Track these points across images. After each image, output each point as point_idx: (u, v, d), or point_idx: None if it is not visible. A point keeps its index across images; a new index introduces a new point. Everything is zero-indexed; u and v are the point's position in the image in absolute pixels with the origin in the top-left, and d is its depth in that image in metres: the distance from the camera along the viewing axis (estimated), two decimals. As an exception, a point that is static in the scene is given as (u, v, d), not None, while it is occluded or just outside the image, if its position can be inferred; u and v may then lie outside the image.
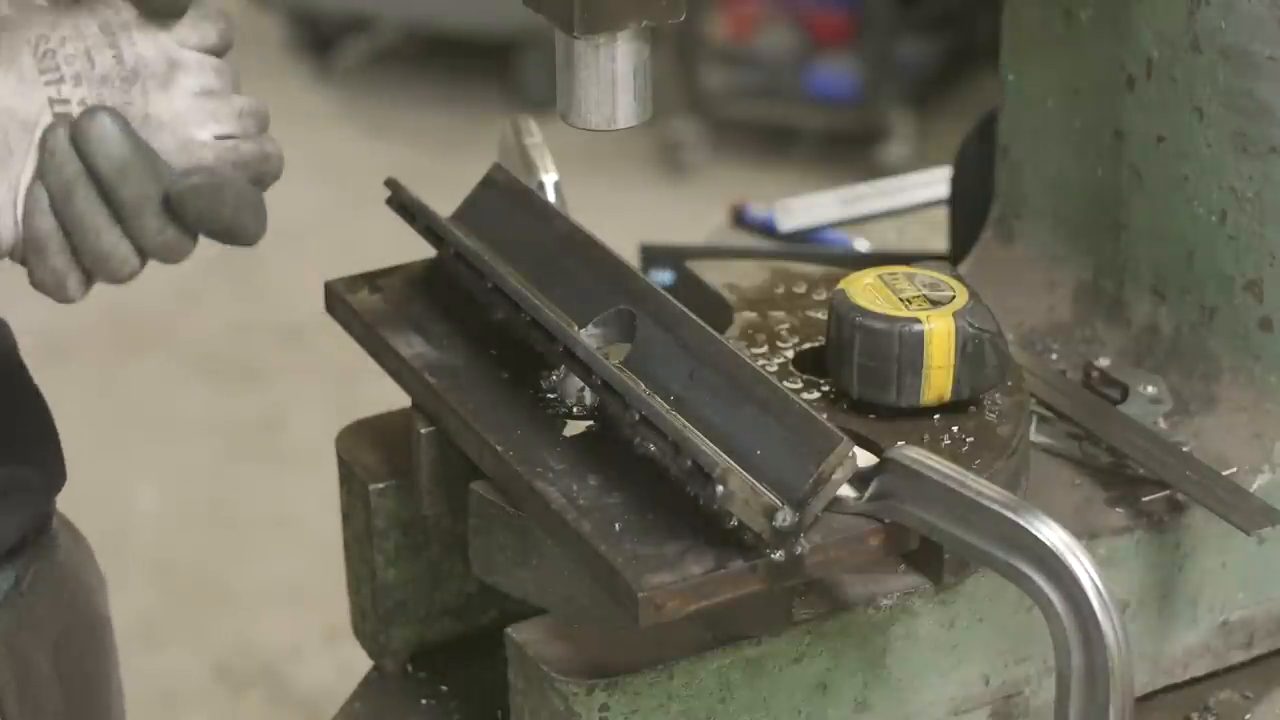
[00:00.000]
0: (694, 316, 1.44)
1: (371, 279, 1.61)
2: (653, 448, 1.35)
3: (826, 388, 1.50)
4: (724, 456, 1.30)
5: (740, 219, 2.39)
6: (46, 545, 1.64)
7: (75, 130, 1.29)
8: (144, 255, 1.34)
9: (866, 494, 1.34)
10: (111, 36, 1.31)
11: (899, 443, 1.36)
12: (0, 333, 1.64)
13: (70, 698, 1.66)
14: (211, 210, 1.33)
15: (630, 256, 1.70)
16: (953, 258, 1.90)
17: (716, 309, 1.61)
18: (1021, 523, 1.26)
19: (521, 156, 1.69)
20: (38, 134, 1.29)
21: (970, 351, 1.46)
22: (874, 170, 5.22)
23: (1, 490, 1.56)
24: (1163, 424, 1.62)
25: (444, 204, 1.63)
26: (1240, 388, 1.61)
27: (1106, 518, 1.53)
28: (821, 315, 1.55)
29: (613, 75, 1.39)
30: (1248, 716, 1.57)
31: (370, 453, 1.60)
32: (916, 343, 1.45)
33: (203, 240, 1.35)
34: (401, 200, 1.60)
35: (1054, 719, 1.27)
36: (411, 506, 1.56)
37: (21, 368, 1.65)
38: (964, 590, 1.45)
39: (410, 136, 5.99)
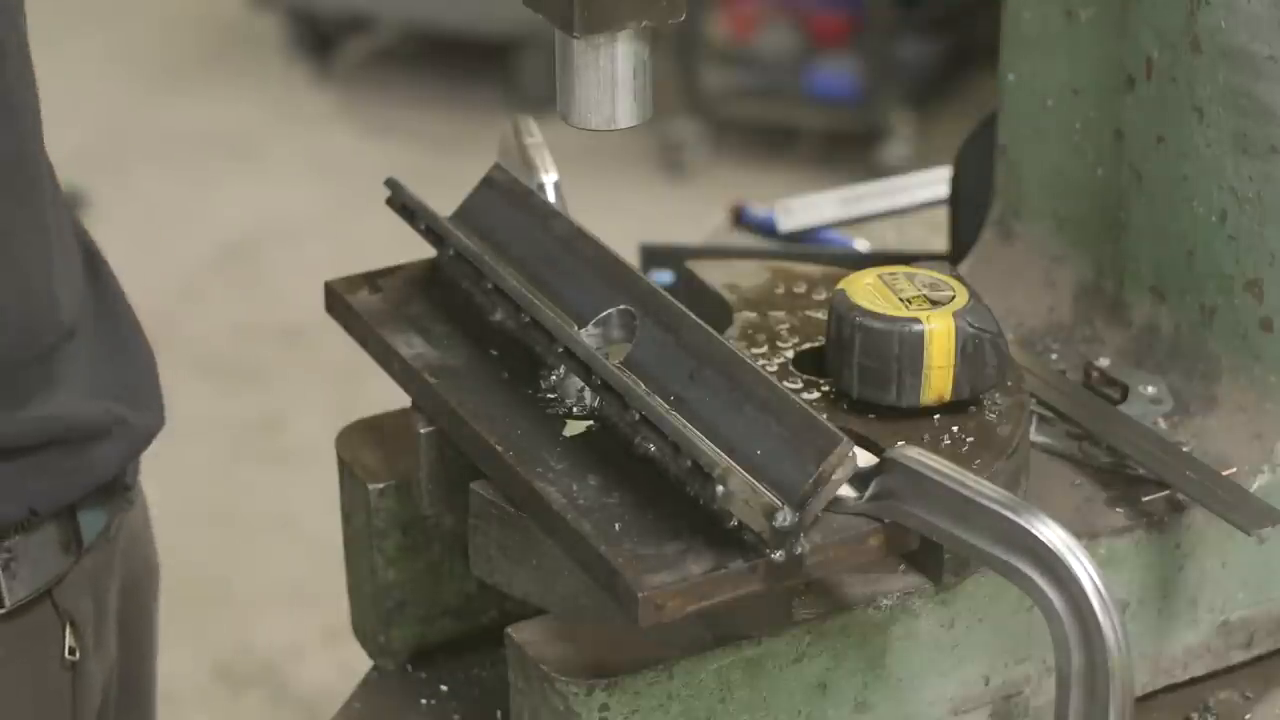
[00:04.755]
0: (694, 316, 1.44)
1: (371, 279, 1.61)
2: (653, 448, 1.35)
3: (826, 388, 1.50)
4: (724, 456, 1.30)
5: (740, 219, 2.39)
6: (131, 499, 1.75)
7: None
8: None
9: (866, 494, 1.34)
10: None
11: (899, 443, 1.36)
12: (108, 278, 1.73)
13: (125, 638, 1.77)
14: None
15: (630, 256, 1.70)
16: (953, 258, 1.90)
17: (716, 309, 1.61)
18: (1021, 523, 1.26)
19: (521, 156, 1.69)
20: None
21: (970, 351, 1.46)
22: (874, 170, 5.22)
23: (105, 426, 1.64)
24: (1163, 424, 1.62)
25: (444, 204, 1.63)
26: (1240, 388, 1.61)
27: (1106, 518, 1.53)
28: (821, 315, 1.55)
29: (613, 75, 1.39)
30: (1248, 716, 1.57)
31: (370, 453, 1.60)
32: (916, 343, 1.45)
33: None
34: (401, 200, 1.60)
35: (1054, 719, 1.27)
36: (411, 506, 1.56)
37: (128, 309, 1.74)
38: (964, 590, 1.45)
39: (410, 136, 5.99)
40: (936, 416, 1.46)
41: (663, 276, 2.09)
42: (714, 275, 1.66)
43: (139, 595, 1.80)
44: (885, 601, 1.43)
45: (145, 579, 1.82)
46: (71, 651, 1.65)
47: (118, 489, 1.71)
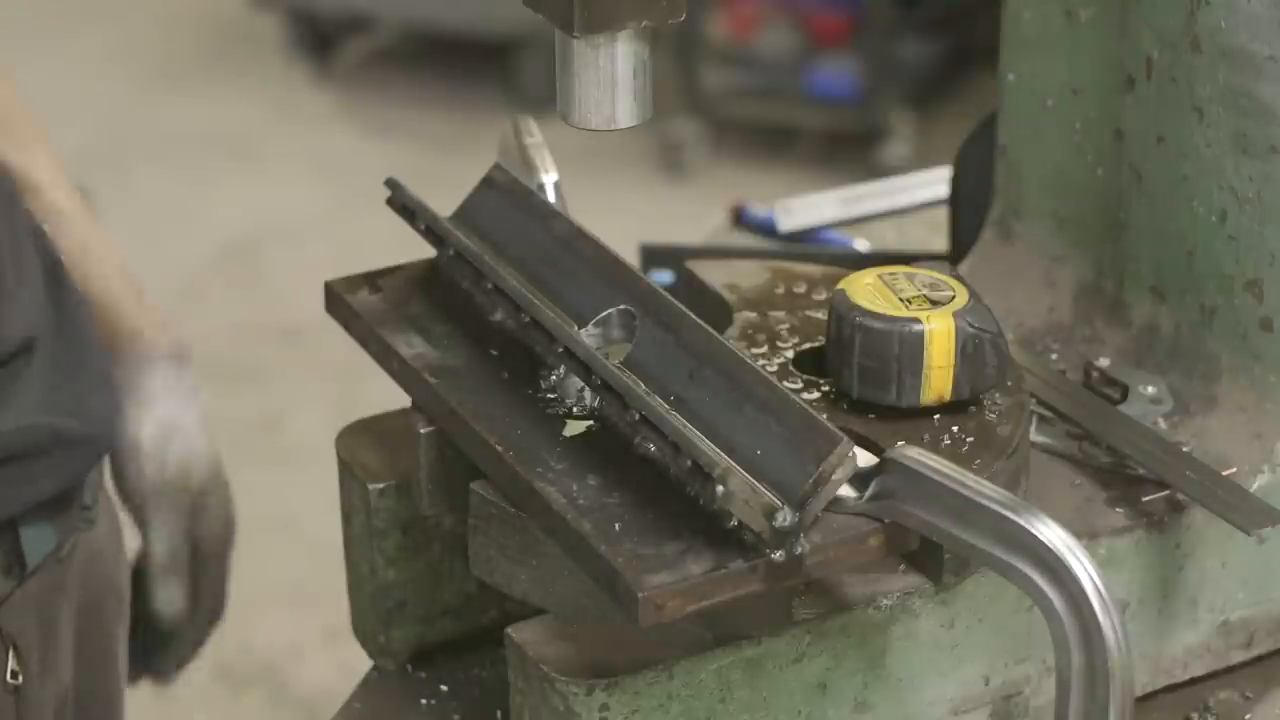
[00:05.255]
0: (694, 316, 1.44)
1: (371, 279, 1.61)
2: (653, 448, 1.35)
3: (826, 388, 1.50)
4: (724, 456, 1.30)
5: (740, 219, 2.39)
6: (90, 518, 1.69)
7: None
8: None
9: (866, 494, 1.34)
10: None
11: (899, 443, 1.36)
12: (72, 290, 1.69)
13: (83, 660, 1.72)
14: None
15: (630, 256, 1.70)
16: (953, 258, 1.90)
17: (716, 309, 1.61)
18: (1021, 523, 1.26)
19: (521, 156, 1.69)
20: None
21: (970, 351, 1.46)
22: (874, 170, 5.22)
23: (51, 443, 1.59)
24: (1163, 424, 1.62)
25: (444, 204, 1.63)
26: (1240, 388, 1.61)
27: (1106, 518, 1.53)
28: (821, 315, 1.55)
29: (613, 75, 1.39)
30: (1248, 716, 1.57)
31: (370, 453, 1.60)
32: (916, 343, 1.45)
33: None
34: (402, 200, 1.60)
35: (1054, 719, 1.27)
36: (411, 506, 1.56)
37: (90, 323, 1.70)
38: (964, 590, 1.45)
39: (410, 136, 5.99)
40: (936, 416, 1.46)
41: (663, 276, 2.09)
42: (714, 275, 1.66)
43: (100, 616, 1.74)
44: (885, 601, 1.43)
45: (108, 599, 1.76)
46: (14, 675, 1.60)
47: (71, 508, 1.65)
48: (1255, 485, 1.56)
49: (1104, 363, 1.68)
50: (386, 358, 1.53)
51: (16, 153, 1.72)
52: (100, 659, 1.76)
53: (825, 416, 1.35)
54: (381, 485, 1.57)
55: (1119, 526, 1.52)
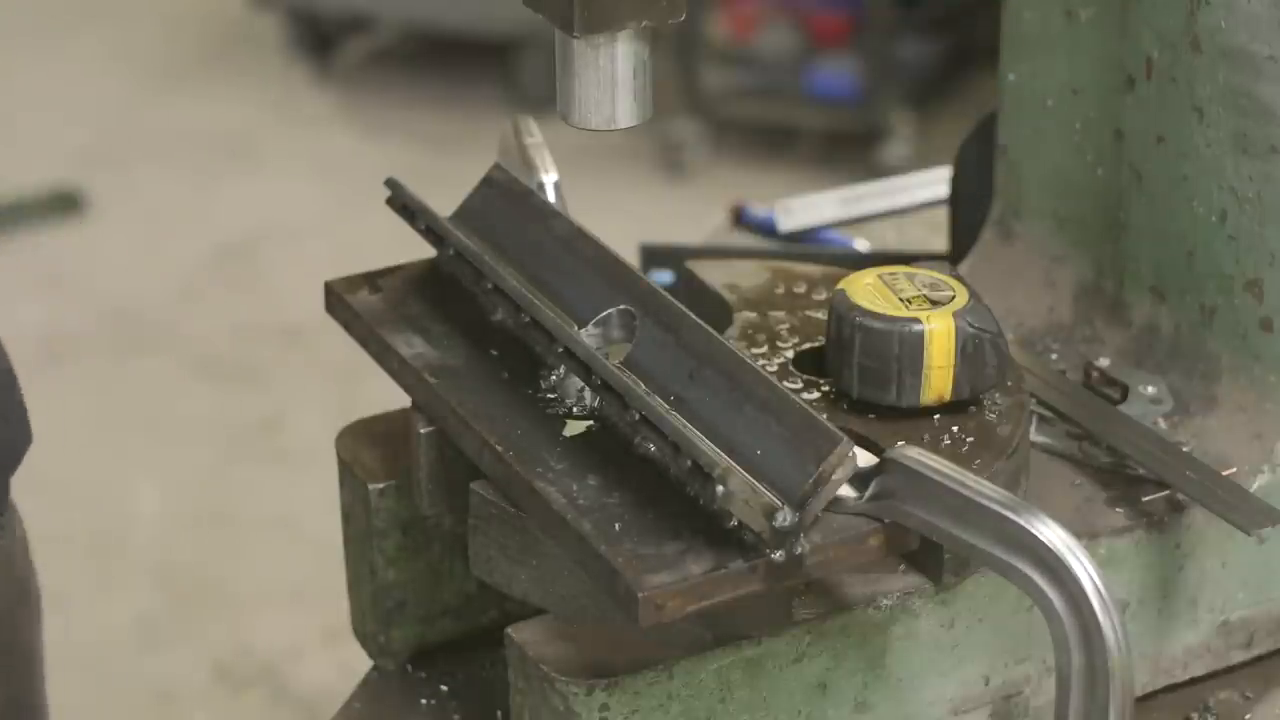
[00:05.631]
0: (694, 316, 1.44)
1: (371, 279, 1.61)
2: (653, 448, 1.35)
3: (826, 388, 1.50)
4: (724, 456, 1.30)
5: (740, 219, 2.39)
6: (4, 526, 1.68)
7: None
8: None
9: (866, 494, 1.34)
10: None
11: (899, 443, 1.36)
12: None
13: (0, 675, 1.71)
14: None
15: (630, 256, 1.70)
16: (953, 258, 1.90)
17: (716, 309, 1.61)
18: (1021, 523, 1.26)
19: (521, 156, 1.69)
20: None
21: (970, 351, 1.46)
22: (874, 170, 5.22)
23: None
24: (1163, 424, 1.62)
25: (444, 204, 1.63)
26: (1240, 388, 1.61)
27: (1106, 518, 1.53)
28: (821, 315, 1.55)
29: (613, 75, 1.39)
30: (1248, 716, 1.57)
31: (370, 453, 1.60)
32: (916, 343, 1.45)
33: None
34: (402, 200, 1.60)
35: (1054, 719, 1.27)
36: (411, 506, 1.56)
37: None
38: (964, 590, 1.45)
39: (410, 136, 6.00)
40: (936, 416, 1.46)
41: (663, 276, 2.09)
42: (714, 275, 1.66)
43: (11, 623, 1.73)
44: (885, 601, 1.43)
45: (19, 607, 1.74)
46: None
47: None
48: (1255, 485, 1.56)
49: (1104, 363, 1.68)
50: (386, 358, 1.53)
51: None
52: (21, 667, 1.75)
53: (825, 416, 1.35)
54: (381, 485, 1.57)
55: (1119, 526, 1.52)
